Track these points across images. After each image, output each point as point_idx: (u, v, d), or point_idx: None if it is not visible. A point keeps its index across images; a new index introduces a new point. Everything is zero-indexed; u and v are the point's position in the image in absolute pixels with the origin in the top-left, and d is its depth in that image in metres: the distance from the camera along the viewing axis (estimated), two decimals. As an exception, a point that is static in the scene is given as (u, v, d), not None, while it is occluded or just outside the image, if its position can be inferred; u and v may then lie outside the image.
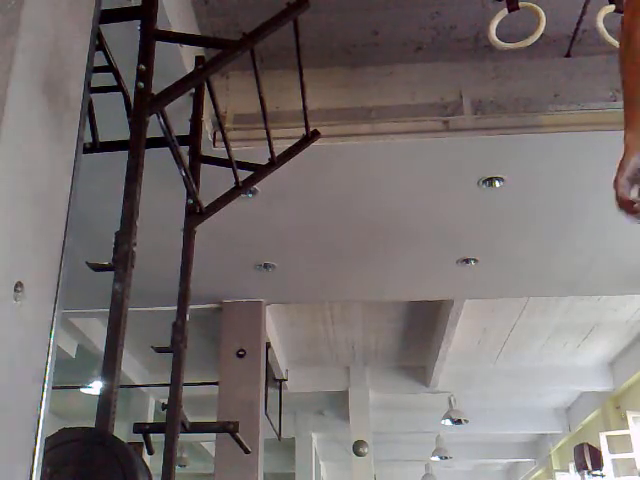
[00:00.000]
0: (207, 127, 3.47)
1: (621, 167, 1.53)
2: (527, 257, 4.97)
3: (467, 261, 4.97)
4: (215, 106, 2.61)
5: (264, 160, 2.92)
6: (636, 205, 1.50)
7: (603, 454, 8.97)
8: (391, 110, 3.64)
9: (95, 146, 2.72)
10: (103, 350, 1.88)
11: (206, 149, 3.27)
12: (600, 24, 2.60)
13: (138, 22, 2.29)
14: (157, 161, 2.48)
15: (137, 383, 7.89)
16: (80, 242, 3.71)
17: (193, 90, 2.93)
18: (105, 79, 2.50)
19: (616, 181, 1.53)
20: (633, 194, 1.51)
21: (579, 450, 9.38)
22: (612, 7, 2.66)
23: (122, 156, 2.13)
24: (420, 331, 7.47)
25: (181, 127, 2.77)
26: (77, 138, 1.56)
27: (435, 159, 3.79)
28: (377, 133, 3.61)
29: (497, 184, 3.95)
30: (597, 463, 9.04)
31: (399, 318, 7.18)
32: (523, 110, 3.55)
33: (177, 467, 2.60)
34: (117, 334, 1.88)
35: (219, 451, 5.35)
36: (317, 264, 5.10)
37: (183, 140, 2.75)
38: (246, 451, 2.93)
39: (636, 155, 1.50)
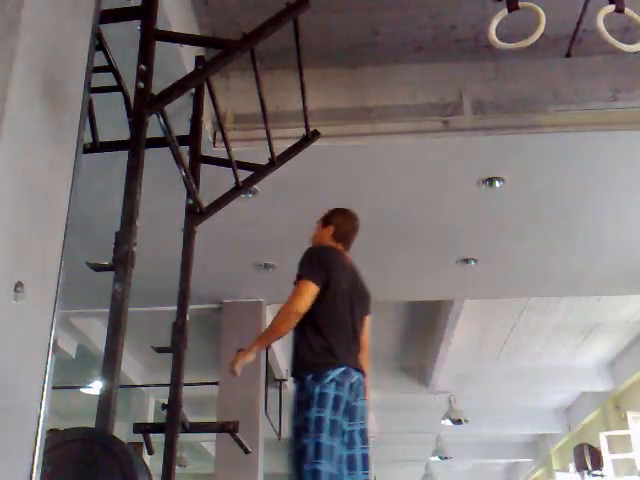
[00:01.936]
0: (207, 127, 3.46)
1: (239, 359, 2.67)
2: (527, 257, 4.97)
3: (467, 261, 4.96)
4: (215, 106, 2.61)
5: (264, 160, 2.92)
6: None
7: (603, 454, 8.96)
8: (391, 110, 3.63)
9: (95, 146, 2.72)
10: (103, 350, 1.88)
11: (206, 149, 3.27)
12: (600, 24, 2.60)
13: (138, 22, 2.29)
14: (157, 161, 2.48)
15: (137, 383, 7.88)
16: (80, 242, 3.70)
17: (193, 90, 2.93)
18: (105, 79, 2.50)
19: (232, 364, 2.68)
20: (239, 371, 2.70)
21: (579, 450, 9.36)
22: (612, 7, 2.65)
23: (122, 156, 2.13)
24: (420, 331, 7.46)
25: (181, 127, 2.77)
26: (77, 138, 1.56)
27: (435, 159, 3.78)
28: (377, 133, 3.61)
29: (497, 184, 3.94)
30: (597, 463, 9.02)
31: (399, 318, 7.17)
32: (523, 110, 3.55)
33: (177, 467, 2.60)
34: (117, 334, 1.88)
35: (219, 451, 5.34)
36: (317, 264, 5.09)
37: (183, 140, 2.75)
38: (246, 451, 2.94)
39: (251, 356, 2.71)
